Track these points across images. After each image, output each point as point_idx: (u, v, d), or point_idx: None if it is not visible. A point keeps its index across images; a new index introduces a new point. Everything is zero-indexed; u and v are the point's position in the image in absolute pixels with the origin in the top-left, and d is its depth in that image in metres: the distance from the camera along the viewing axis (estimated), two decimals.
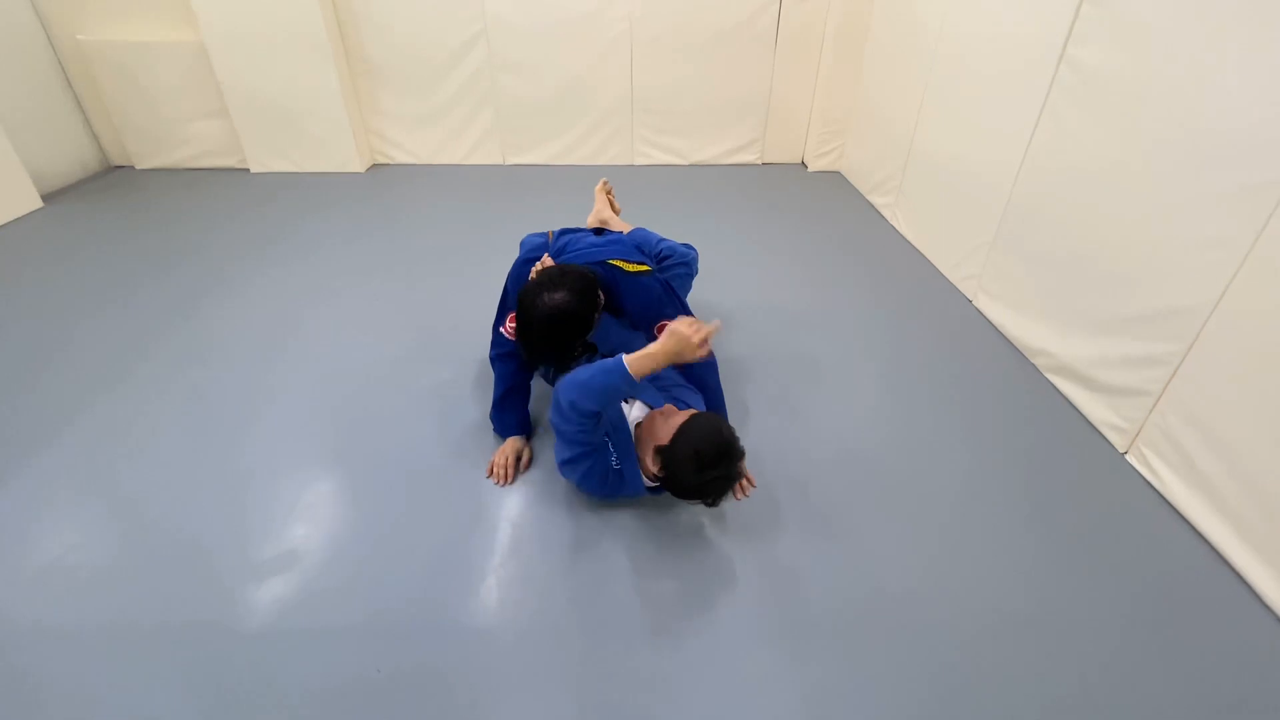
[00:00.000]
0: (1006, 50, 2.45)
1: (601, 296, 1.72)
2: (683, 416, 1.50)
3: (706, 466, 1.40)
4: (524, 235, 2.20)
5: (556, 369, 1.83)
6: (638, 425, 1.63)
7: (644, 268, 1.83)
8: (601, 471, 1.57)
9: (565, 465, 1.61)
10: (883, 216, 3.61)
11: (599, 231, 2.03)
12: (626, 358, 1.46)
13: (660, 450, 1.47)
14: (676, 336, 1.47)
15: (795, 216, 3.66)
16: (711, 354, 1.93)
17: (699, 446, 1.41)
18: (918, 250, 3.20)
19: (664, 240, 2.15)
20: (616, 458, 1.56)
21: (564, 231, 2.02)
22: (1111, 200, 1.94)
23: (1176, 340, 1.73)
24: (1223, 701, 1.30)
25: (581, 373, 1.50)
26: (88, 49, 3.79)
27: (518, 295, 1.70)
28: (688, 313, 1.87)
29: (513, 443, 1.86)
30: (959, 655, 1.37)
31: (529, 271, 1.84)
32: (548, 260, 1.83)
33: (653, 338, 1.84)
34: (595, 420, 1.50)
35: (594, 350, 1.77)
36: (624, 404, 1.68)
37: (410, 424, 2.01)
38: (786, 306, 2.72)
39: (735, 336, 2.46)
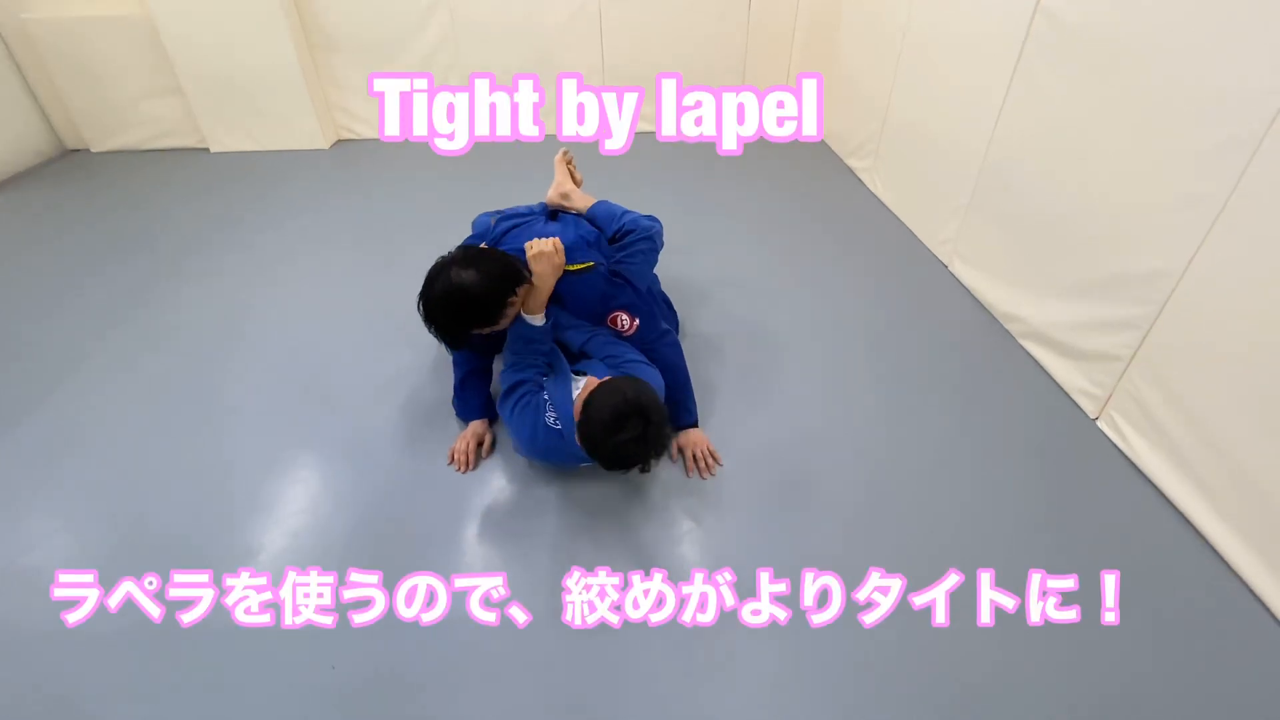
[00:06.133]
0: (981, 2, 2.35)
1: (520, 293, 1.64)
2: (595, 384, 1.47)
3: (615, 430, 1.36)
4: (479, 214, 2.13)
5: (450, 346, 1.76)
6: None
7: (587, 265, 1.74)
8: (531, 420, 1.57)
9: (502, 398, 1.66)
10: (861, 181, 3.53)
11: (554, 215, 1.94)
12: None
13: (576, 424, 1.44)
14: (537, 257, 1.63)
15: (772, 182, 3.58)
16: (673, 335, 1.88)
17: (603, 413, 1.38)
18: (895, 215, 3.13)
19: (627, 213, 2.07)
20: (555, 418, 1.54)
21: (509, 215, 1.92)
22: (1085, 161, 1.88)
23: (1148, 304, 1.68)
24: (1186, 664, 1.29)
25: None
26: (33, 28, 3.62)
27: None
28: (640, 296, 1.81)
29: (474, 428, 1.82)
30: (926, 631, 1.35)
31: None
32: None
33: (607, 328, 1.80)
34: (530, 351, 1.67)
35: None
36: (574, 378, 1.64)
37: (370, 410, 1.97)
38: (760, 277, 2.66)
39: (707, 310, 2.41)
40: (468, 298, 1.52)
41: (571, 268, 1.71)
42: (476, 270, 1.53)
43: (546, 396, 1.59)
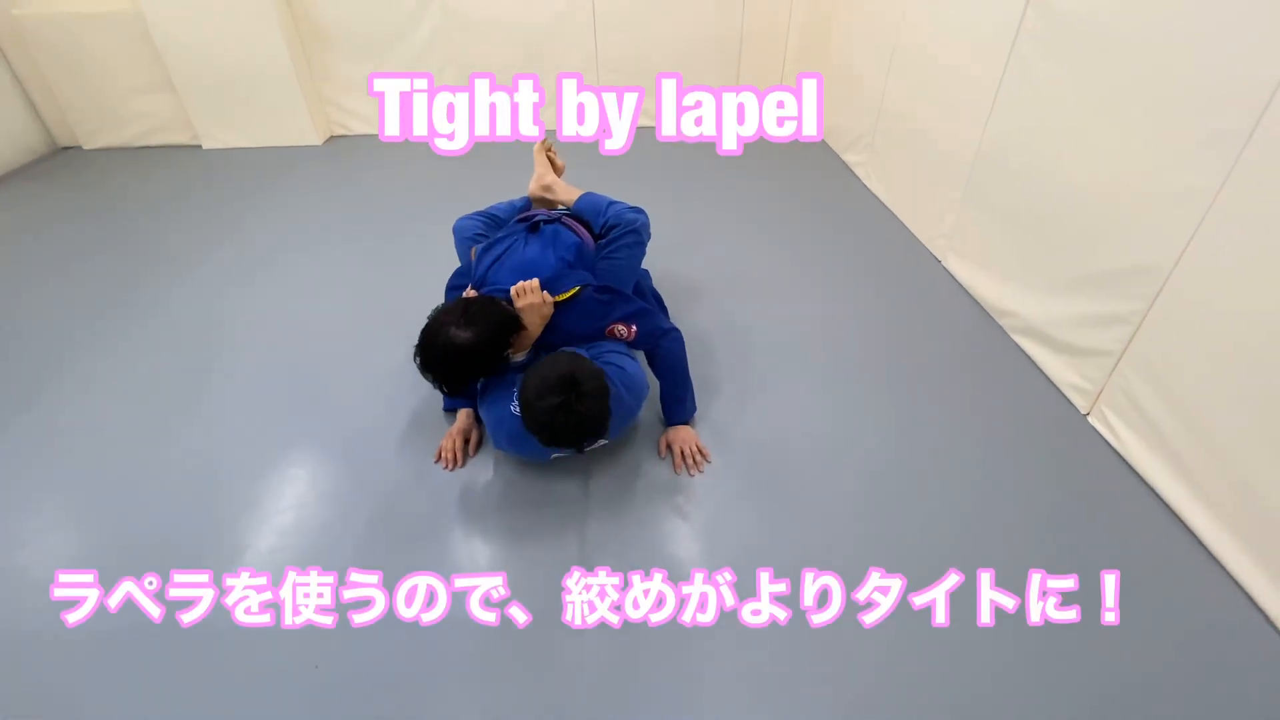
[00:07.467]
0: None
1: (514, 341, 1.66)
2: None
3: (540, 396, 1.40)
4: (459, 218, 2.13)
5: (447, 393, 1.76)
6: None
7: (573, 291, 1.73)
8: (498, 410, 1.61)
9: (479, 394, 1.71)
10: (856, 176, 3.53)
11: (534, 227, 1.90)
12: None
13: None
14: (526, 309, 1.64)
15: (767, 177, 3.58)
16: (677, 332, 1.88)
17: (534, 379, 1.43)
18: (889, 209, 3.14)
19: (613, 205, 2.05)
20: (519, 405, 1.54)
21: (489, 247, 1.88)
22: (1077, 153, 1.88)
23: (1139, 298, 1.69)
24: (1186, 664, 1.30)
25: None
26: (24, 24, 3.58)
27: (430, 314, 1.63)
28: (632, 301, 1.81)
29: (460, 424, 1.82)
30: (926, 631, 1.36)
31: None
32: (471, 295, 1.73)
33: (607, 340, 1.79)
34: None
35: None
36: None
37: (367, 408, 1.97)
38: (755, 274, 2.66)
39: (703, 308, 2.41)
40: (465, 354, 1.55)
41: (559, 298, 1.71)
42: (473, 328, 1.55)
43: (515, 390, 1.60)
